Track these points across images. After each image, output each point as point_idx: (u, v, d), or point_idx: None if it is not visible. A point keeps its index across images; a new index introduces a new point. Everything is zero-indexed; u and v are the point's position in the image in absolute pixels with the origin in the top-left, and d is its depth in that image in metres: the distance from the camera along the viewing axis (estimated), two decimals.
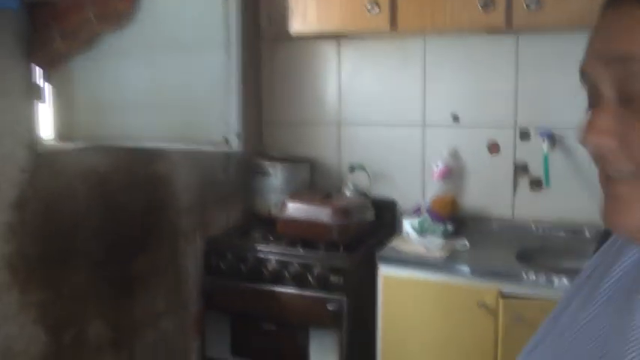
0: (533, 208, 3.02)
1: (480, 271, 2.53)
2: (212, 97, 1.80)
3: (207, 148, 1.83)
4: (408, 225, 2.87)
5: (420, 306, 2.63)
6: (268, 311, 2.84)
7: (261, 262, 2.84)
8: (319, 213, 2.79)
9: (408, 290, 2.65)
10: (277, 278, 2.81)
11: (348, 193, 3.11)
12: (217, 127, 1.78)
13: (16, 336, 2.02)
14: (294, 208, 2.84)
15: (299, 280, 2.77)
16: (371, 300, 2.74)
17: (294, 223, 2.84)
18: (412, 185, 3.21)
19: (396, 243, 2.83)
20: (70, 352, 2.24)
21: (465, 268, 2.55)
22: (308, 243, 2.83)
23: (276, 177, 3.12)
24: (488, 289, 2.50)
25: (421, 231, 2.83)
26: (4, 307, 1.97)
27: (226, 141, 1.73)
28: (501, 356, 2.48)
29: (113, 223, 2.45)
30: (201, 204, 2.98)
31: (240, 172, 3.25)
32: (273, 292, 2.82)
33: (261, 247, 2.87)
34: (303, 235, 2.83)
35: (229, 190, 3.18)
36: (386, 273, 2.68)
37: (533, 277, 2.43)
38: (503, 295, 2.48)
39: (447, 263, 2.60)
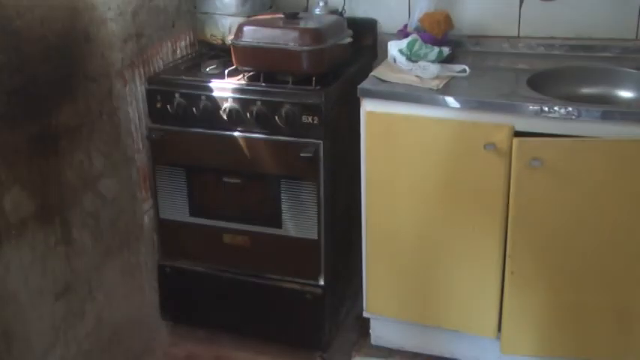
0: (543, 23, 2.49)
1: (486, 104, 2.04)
2: None
3: None
4: (394, 48, 2.32)
5: (413, 149, 2.16)
6: (230, 162, 2.36)
7: (217, 103, 2.31)
8: (284, 37, 2.23)
9: (397, 129, 2.17)
10: (238, 121, 2.30)
11: (318, 12, 2.53)
12: None
13: None
14: (253, 33, 2.27)
15: (264, 123, 2.27)
16: (353, 143, 2.26)
17: (253, 51, 2.27)
18: (396, 2, 2.63)
19: (380, 71, 2.30)
20: None
21: (467, 101, 2.06)
22: (272, 76, 2.30)
23: None
24: (497, 126, 2.02)
25: (411, 55, 2.29)
26: None
27: None
28: (514, 207, 2.06)
29: (18, 64, 1.89)
30: (139, 33, 2.39)
31: None
32: (234, 139, 2.32)
33: (215, 83, 2.33)
34: (265, 66, 2.28)
35: (172, 15, 2.58)
36: (370, 109, 2.18)
37: (554, 109, 1.95)
38: (517, 133, 2.01)
39: (444, 95, 2.10)
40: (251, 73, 2.33)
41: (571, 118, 1.95)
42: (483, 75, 2.27)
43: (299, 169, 2.26)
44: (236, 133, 2.31)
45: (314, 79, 2.23)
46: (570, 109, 1.95)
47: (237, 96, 2.28)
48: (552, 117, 1.96)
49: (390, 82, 2.21)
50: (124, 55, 2.33)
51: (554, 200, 2.02)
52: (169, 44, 2.58)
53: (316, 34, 2.23)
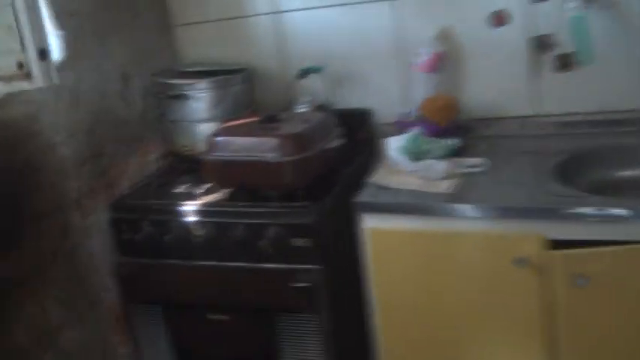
0: (561, 98, 2.15)
1: (511, 211, 1.68)
2: None
3: None
4: (393, 146, 1.98)
5: (427, 269, 1.80)
6: (212, 296, 2.00)
7: (190, 229, 1.96)
8: (261, 147, 1.89)
9: (407, 247, 1.81)
10: (216, 249, 1.94)
11: (301, 109, 2.21)
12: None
13: None
14: (225, 145, 1.94)
15: (248, 250, 1.91)
16: (357, 265, 1.90)
17: (227, 166, 1.93)
18: (390, 86, 2.30)
19: (380, 175, 1.96)
20: None
21: (487, 209, 1.70)
22: (253, 193, 1.95)
23: (198, 100, 2.20)
24: (527, 236, 1.66)
25: (415, 153, 1.95)
26: None
27: (21, 67, 0.86)
28: (557, 333, 1.68)
29: None
30: (97, 153, 2.07)
31: (149, 100, 2.32)
32: (215, 270, 1.96)
33: (187, 206, 1.99)
34: (243, 182, 1.94)
35: (137, 127, 2.27)
36: (373, 225, 1.82)
37: (599, 212, 1.59)
38: (552, 244, 1.64)
39: (457, 202, 1.74)
40: (228, 191, 1.99)
41: (620, 221, 1.58)
42: (501, 167, 1.92)
43: (296, 300, 1.89)
44: (216, 263, 1.96)
45: (301, 192, 1.88)
46: (619, 211, 1.57)
47: (213, 219, 1.94)
48: (595, 221, 1.59)
49: (393, 189, 1.87)
50: (80, 183, 2.00)
51: (608, 323, 1.64)
52: (137, 160, 2.25)
53: (299, 141, 1.89)
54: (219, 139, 1.95)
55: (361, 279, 1.91)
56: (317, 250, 1.85)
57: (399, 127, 2.15)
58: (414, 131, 2.00)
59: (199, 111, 2.20)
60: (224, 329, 2.01)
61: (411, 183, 1.88)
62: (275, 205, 1.89)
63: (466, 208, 1.71)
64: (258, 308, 1.95)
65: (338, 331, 1.94)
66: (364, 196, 1.84)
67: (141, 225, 2.01)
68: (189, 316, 2.05)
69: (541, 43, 2.11)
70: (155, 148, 2.33)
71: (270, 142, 1.88)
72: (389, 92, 2.30)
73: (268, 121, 2.00)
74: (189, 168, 2.22)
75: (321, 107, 2.20)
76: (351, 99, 2.34)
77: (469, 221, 1.71)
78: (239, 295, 1.96)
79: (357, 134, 2.28)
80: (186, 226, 1.96)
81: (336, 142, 2.01)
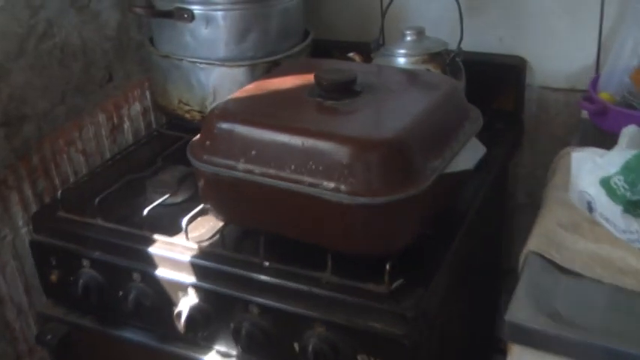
0: None
1: None
2: None
3: None
4: (590, 177, 0.93)
5: None
6: None
7: (166, 295, 1.01)
8: (317, 163, 0.86)
9: None
10: (213, 336, 1.00)
11: (401, 57, 1.16)
12: None
13: None
14: (242, 142, 0.92)
15: (271, 352, 0.96)
16: None
17: (240, 191, 0.92)
18: (572, 23, 1.23)
19: (549, 237, 0.93)
20: None
21: None
22: (291, 249, 0.96)
23: (212, 22, 1.17)
24: None
25: (634, 194, 0.90)
26: None
27: None
28: None
29: None
30: (16, 114, 1.11)
31: (131, 17, 1.30)
32: None
33: (161, 245, 1.02)
34: (271, 226, 0.94)
35: (101, 63, 1.27)
36: None
37: None
38: None
39: None
40: (242, 230, 1.02)
41: None
42: None
43: None
44: (207, 358, 1.02)
45: (388, 265, 0.88)
46: None
47: (208, 286, 0.97)
48: None
49: (578, 278, 0.86)
50: None
51: None
52: (100, 118, 1.28)
53: (399, 159, 0.86)
54: (225, 126, 0.94)
55: None
56: None
57: (592, 112, 1.10)
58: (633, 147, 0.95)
59: (210, 43, 1.18)
60: None
61: (623, 267, 0.86)
62: (333, 282, 0.91)
63: None
64: None
65: None
66: (518, 308, 0.82)
67: (79, 265, 1.07)
68: None
69: None
70: (133, 98, 1.34)
71: (335, 152, 0.86)
72: (564, 33, 1.23)
73: (335, 93, 0.97)
74: (182, 149, 1.23)
75: (440, 57, 1.14)
76: (490, 37, 1.28)
77: None
78: None
79: (497, 98, 1.26)
80: (155, 286, 1.01)
81: (470, 159, 0.96)
